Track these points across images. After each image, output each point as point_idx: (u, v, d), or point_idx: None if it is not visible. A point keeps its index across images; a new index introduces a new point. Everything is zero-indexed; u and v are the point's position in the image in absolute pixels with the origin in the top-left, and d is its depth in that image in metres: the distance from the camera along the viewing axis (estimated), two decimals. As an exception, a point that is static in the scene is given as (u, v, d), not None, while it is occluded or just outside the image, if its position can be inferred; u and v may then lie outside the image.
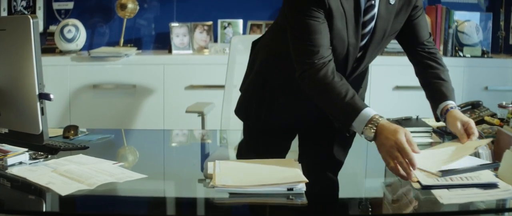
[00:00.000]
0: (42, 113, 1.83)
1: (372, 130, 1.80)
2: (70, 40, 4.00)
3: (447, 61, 3.90)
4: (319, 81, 1.86)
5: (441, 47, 4.05)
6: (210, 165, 1.78)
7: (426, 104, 3.85)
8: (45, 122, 1.83)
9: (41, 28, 4.17)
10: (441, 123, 2.48)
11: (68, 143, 2.12)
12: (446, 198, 1.54)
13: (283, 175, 1.65)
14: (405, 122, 2.34)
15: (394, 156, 1.70)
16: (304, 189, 1.57)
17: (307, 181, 1.59)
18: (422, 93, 3.87)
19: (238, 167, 1.77)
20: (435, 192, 1.59)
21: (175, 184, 1.82)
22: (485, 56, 4.04)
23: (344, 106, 1.84)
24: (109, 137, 2.30)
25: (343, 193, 1.79)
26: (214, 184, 1.58)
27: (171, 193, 1.72)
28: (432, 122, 2.52)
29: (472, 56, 4.02)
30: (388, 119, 2.42)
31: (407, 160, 1.67)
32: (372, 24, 1.99)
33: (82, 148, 2.07)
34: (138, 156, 2.17)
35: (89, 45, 4.30)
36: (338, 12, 1.90)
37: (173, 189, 1.77)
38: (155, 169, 1.94)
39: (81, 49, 4.16)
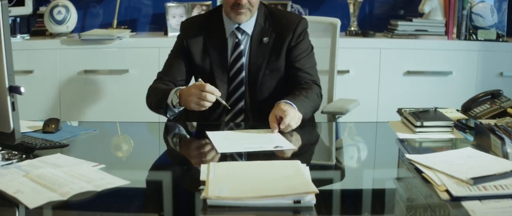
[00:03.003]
0: (13, 109, 1.60)
1: (176, 94, 2.20)
2: (60, 22, 3.76)
3: (461, 45, 3.75)
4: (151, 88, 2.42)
5: (454, 30, 3.81)
6: (203, 168, 1.55)
7: (439, 91, 3.71)
8: (16, 118, 1.61)
9: (30, 9, 3.92)
10: (461, 115, 2.27)
11: (46, 140, 1.89)
12: (480, 213, 1.31)
13: (288, 183, 1.41)
14: (422, 114, 2.10)
15: (201, 96, 2.09)
16: (314, 201, 1.34)
17: (317, 192, 1.35)
18: (435, 79, 3.74)
19: (236, 172, 1.54)
20: (466, 204, 1.36)
21: (161, 193, 1.56)
22: (500, 39, 3.82)
23: (160, 94, 2.29)
24: (93, 132, 2.07)
25: (351, 193, 1.59)
26: (206, 196, 1.34)
27: (154, 206, 1.46)
28: (451, 113, 2.29)
29: (485, 40, 3.79)
30: (400, 109, 2.26)
31: (207, 90, 2.08)
32: (243, 60, 2.37)
33: (60, 146, 1.85)
34: (123, 156, 1.94)
35: (81, 27, 4.07)
36: (198, 50, 2.39)
37: (158, 201, 1.50)
38: (141, 173, 1.69)
39: (73, 32, 3.92)
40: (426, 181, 1.52)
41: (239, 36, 2.39)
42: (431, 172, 1.55)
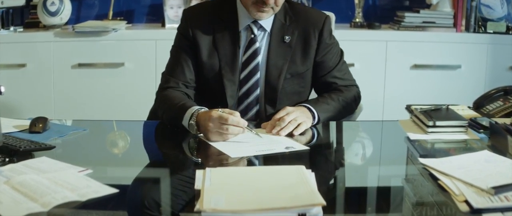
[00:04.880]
0: (-7, 109, 1.47)
1: (192, 121, 1.85)
2: (53, 14, 3.62)
3: (469, 37, 3.62)
4: (162, 98, 2.09)
5: (463, 22, 3.68)
6: (198, 175, 1.42)
7: (448, 85, 3.58)
8: (-3, 120, 1.48)
9: (23, 0, 3.79)
10: (473, 113, 2.15)
11: (32, 141, 1.76)
12: (505, 228, 1.19)
13: (292, 193, 1.28)
14: (434, 113, 1.97)
15: (223, 129, 1.76)
16: (321, 215, 1.21)
17: (325, 203, 1.22)
18: (443, 73, 3.61)
19: (234, 179, 1.41)
20: (488, 217, 1.24)
21: (152, 205, 1.38)
22: (510, 32, 3.68)
23: (173, 111, 1.96)
24: (83, 132, 1.94)
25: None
26: (201, 208, 1.21)
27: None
28: (462, 110, 2.17)
29: (495, 32, 3.67)
30: (409, 106, 2.14)
31: (230, 123, 1.76)
32: (259, 59, 2.11)
33: (46, 149, 1.71)
34: (113, 160, 1.79)
35: (76, 19, 3.94)
36: (206, 43, 2.11)
37: (149, 213, 1.35)
38: (131, 180, 1.54)
39: (67, 23, 3.79)
40: (442, 189, 1.40)
41: (256, 31, 2.13)
42: (448, 180, 1.42)
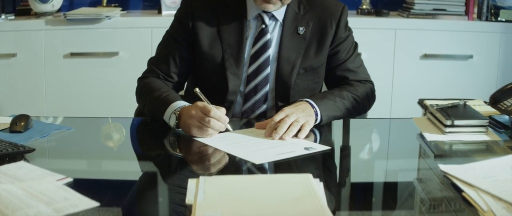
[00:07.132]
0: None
1: (175, 117, 1.74)
2: (45, 0, 3.45)
3: (481, 26, 3.43)
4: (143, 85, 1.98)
5: (475, 10, 3.51)
6: (191, 185, 1.26)
7: (459, 76, 3.41)
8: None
9: (14, -14, 3.63)
10: (491, 109, 1.99)
11: (10, 143, 1.60)
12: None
13: (298, 208, 1.13)
14: (452, 111, 1.81)
15: (204, 121, 1.64)
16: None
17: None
18: (454, 63, 3.45)
19: (231, 191, 1.25)
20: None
21: None
22: (524, 21, 3.52)
23: (155, 103, 1.84)
24: (67, 131, 1.78)
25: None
26: (193, 229, 1.06)
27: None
28: (479, 106, 2.01)
29: (507, 21, 3.50)
30: (422, 101, 2.00)
31: (213, 116, 1.64)
32: (269, 52, 1.95)
33: (24, 152, 1.56)
34: (97, 166, 1.62)
35: (69, 6, 3.78)
36: (208, 33, 1.94)
37: None
38: (117, 191, 1.36)
39: (59, 10, 3.63)
40: (466, 202, 1.24)
41: (267, 21, 1.95)
42: (473, 192, 1.26)
